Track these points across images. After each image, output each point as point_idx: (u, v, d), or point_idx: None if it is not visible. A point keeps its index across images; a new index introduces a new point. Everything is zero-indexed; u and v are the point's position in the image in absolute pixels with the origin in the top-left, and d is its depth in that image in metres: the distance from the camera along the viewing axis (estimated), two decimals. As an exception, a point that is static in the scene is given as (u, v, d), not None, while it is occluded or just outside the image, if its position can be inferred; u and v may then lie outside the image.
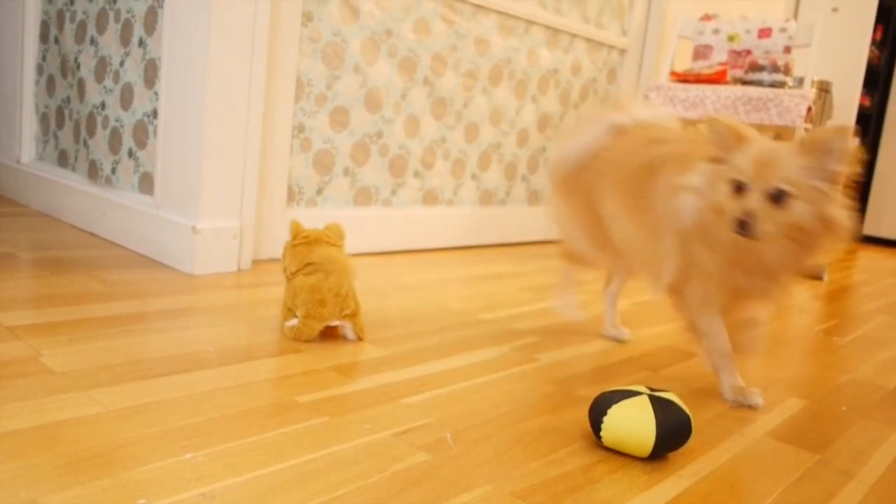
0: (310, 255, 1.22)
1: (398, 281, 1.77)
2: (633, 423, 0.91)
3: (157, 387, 0.97)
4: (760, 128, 2.87)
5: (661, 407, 0.92)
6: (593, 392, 1.15)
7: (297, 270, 1.22)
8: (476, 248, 2.39)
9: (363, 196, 2.04)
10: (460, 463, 0.85)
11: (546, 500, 0.79)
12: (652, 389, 0.97)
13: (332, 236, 1.27)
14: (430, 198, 2.24)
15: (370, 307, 1.50)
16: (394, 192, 2.12)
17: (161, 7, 1.71)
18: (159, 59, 1.72)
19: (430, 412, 0.99)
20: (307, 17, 1.80)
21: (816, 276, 2.62)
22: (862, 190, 4.35)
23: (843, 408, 1.23)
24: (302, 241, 1.23)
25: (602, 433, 0.93)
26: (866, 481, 0.95)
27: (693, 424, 1.05)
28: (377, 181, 2.06)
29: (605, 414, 0.93)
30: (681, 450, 0.96)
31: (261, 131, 1.70)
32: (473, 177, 2.37)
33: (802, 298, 2.22)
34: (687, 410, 0.95)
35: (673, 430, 0.91)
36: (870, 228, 4.25)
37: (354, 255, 1.99)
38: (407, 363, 1.18)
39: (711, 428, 1.06)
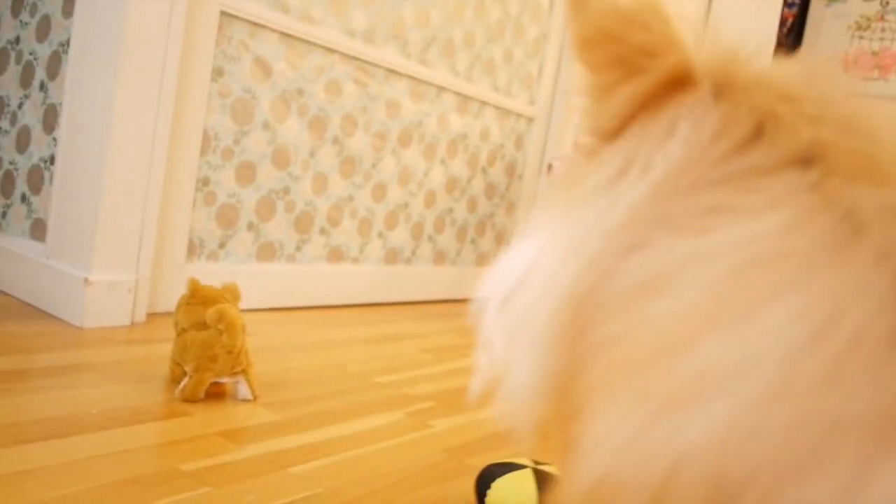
0: (204, 313, 1.21)
1: (299, 340, 1.76)
2: (515, 496, 0.93)
3: (32, 453, 0.93)
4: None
5: (544, 480, 0.95)
6: (483, 460, 1.17)
7: (190, 327, 1.21)
8: (380, 306, 2.40)
9: (267, 251, 2.03)
10: (343, 537, 0.85)
11: (426, 575, 0.80)
12: (536, 462, 1.00)
13: (228, 297, 1.26)
14: (335, 255, 2.24)
15: (267, 367, 1.48)
16: (298, 248, 2.12)
17: (66, 52, 1.68)
18: (60, 104, 1.68)
19: (318, 482, 0.99)
20: (217, 73, 1.80)
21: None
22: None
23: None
24: (199, 300, 1.22)
25: (485, 506, 0.95)
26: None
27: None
28: (282, 237, 2.06)
29: (489, 487, 0.95)
30: (562, 522, 0.99)
31: (162, 183, 1.68)
32: (380, 235, 2.39)
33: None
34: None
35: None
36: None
37: (256, 310, 1.97)
38: (298, 429, 1.18)
39: (593, 499, 1.10)
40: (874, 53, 4.24)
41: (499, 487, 0.94)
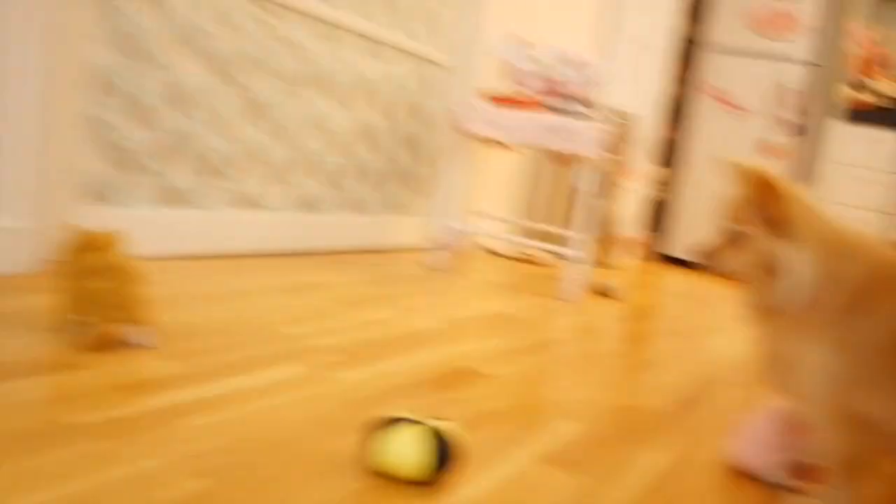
0: (93, 261, 1.17)
1: (207, 290, 1.72)
2: (403, 450, 0.94)
3: None
4: (561, 155, 3.04)
5: (432, 435, 0.97)
6: (380, 414, 1.18)
7: (80, 276, 1.18)
8: (292, 256, 2.37)
9: (171, 196, 1.96)
10: (243, 490, 0.85)
11: (309, 531, 0.81)
12: (426, 417, 1.01)
13: (114, 243, 1.22)
14: (244, 201, 2.19)
15: (170, 317, 1.44)
16: (205, 194, 2.06)
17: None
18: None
19: (217, 437, 0.98)
20: None
21: (612, 296, 2.82)
22: (663, 213, 4.74)
23: (615, 431, 1.33)
24: (86, 247, 1.19)
25: (375, 459, 0.95)
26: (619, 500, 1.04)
27: (464, 450, 1.10)
28: (186, 182, 1.99)
29: (378, 441, 0.95)
30: (451, 474, 1.01)
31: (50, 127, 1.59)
32: (289, 182, 2.35)
33: (606, 320, 2.38)
34: (456, 437, 0.99)
35: (441, 457, 0.96)
36: (667, 248, 4.64)
37: (158, 259, 1.91)
38: (194, 381, 1.15)
39: (484, 452, 1.12)
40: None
41: (389, 440, 0.95)
